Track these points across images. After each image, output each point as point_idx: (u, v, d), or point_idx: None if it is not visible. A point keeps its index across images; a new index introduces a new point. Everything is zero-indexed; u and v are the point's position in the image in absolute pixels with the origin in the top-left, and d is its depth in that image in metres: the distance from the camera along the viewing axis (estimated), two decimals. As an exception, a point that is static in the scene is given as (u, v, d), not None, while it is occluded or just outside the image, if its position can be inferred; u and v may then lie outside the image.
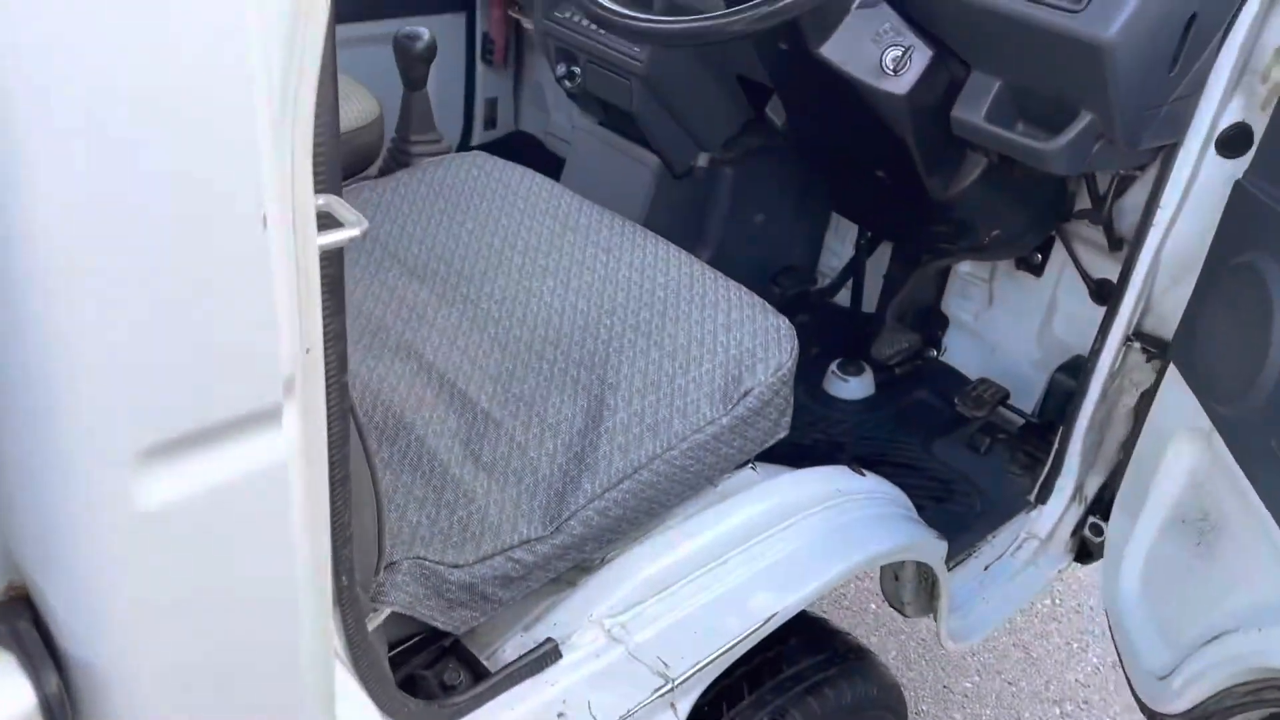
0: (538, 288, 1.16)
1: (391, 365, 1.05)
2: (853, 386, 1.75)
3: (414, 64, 1.39)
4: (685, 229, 1.81)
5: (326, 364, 0.59)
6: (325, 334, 0.58)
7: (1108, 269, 1.56)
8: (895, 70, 1.20)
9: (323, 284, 0.57)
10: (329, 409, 0.61)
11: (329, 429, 0.62)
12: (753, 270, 1.86)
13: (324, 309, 0.58)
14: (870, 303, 1.83)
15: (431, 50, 1.39)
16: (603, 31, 1.64)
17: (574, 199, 1.33)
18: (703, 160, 1.77)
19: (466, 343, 1.09)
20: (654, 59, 1.57)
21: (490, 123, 2.44)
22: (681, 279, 1.18)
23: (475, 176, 1.35)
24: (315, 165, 0.54)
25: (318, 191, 0.55)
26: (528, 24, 2.23)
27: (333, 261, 0.58)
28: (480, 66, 2.34)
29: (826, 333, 1.89)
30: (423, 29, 1.39)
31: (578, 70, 1.71)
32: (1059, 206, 1.46)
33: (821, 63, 1.23)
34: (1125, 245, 1.50)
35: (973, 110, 1.22)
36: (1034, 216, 1.46)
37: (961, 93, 1.23)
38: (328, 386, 0.60)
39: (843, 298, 1.90)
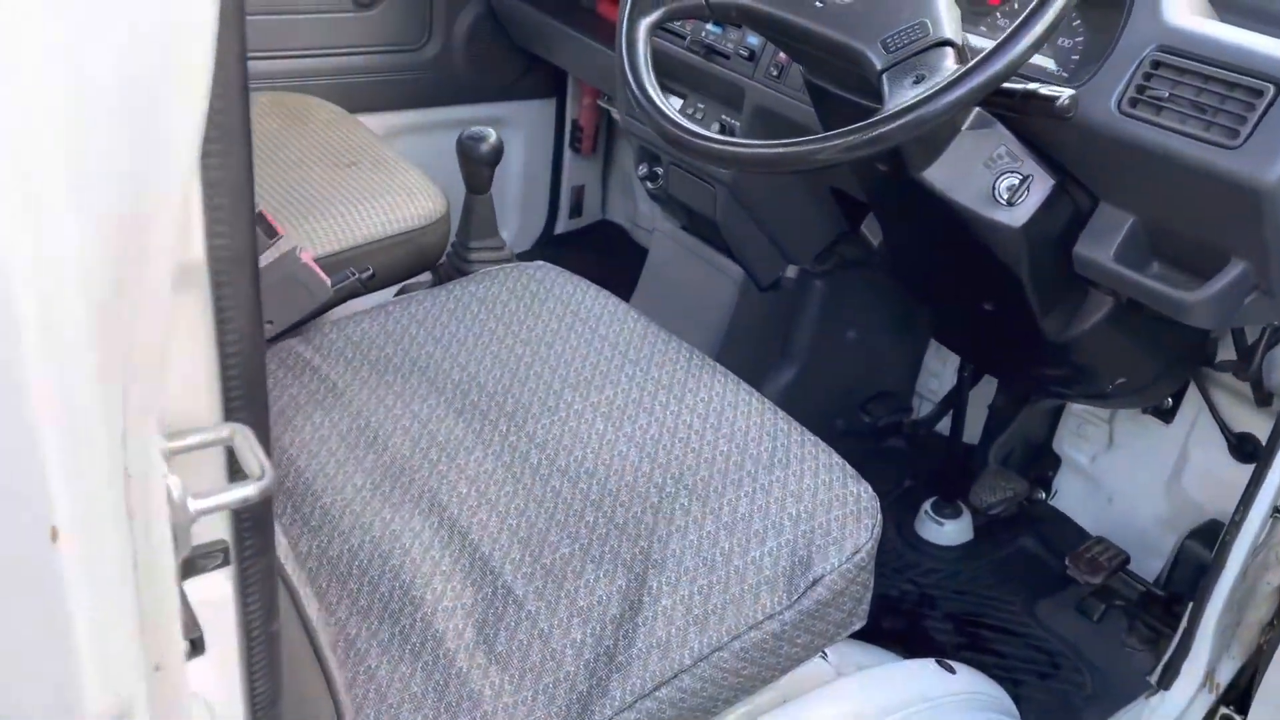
0: (585, 431, 1.03)
1: (409, 520, 0.93)
2: (948, 530, 1.56)
3: (478, 167, 1.29)
4: (769, 343, 1.67)
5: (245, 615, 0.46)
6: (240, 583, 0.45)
7: (1253, 423, 1.35)
8: (1010, 200, 1.05)
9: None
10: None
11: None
12: (841, 393, 1.70)
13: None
14: (973, 431, 1.64)
15: (497, 153, 1.29)
16: (687, 133, 1.52)
17: (639, 322, 1.19)
18: (791, 271, 1.62)
19: (498, 495, 0.96)
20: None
21: (576, 210, 2.35)
22: (750, 430, 1.03)
23: (534, 292, 1.23)
24: (226, 390, 0.41)
25: (230, 417, 0.43)
26: (617, 114, 2.14)
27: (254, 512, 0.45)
28: (568, 153, 2.26)
29: (921, 463, 1.71)
30: (489, 130, 1.30)
31: (660, 172, 1.59)
32: (1198, 356, 1.27)
33: (924, 187, 1.08)
34: (1276, 401, 1.30)
35: (1100, 248, 1.05)
36: (1167, 366, 1.28)
37: (1086, 228, 1.07)
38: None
39: (941, 424, 1.72)
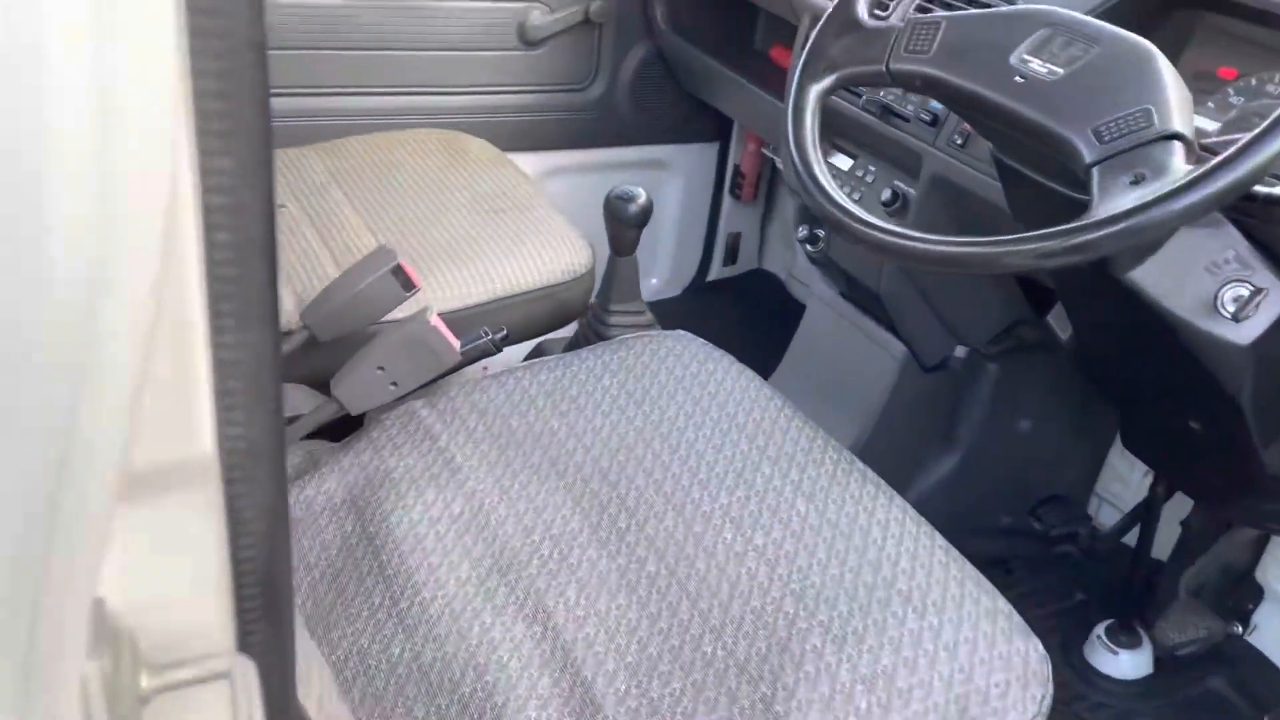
0: (711, 539, 0.92)
1: (510, 628, 0.84)
2: (1124, 662, 1.37)
3: (624, 228, 1.21)
4: (930, 426, 1.52)
5: None
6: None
7: None
8: (1236, 314, 0.88)
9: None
10: None
11: None
12: (1008, 488, 1.53)
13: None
14: (1161, 544, 1.45)
15: (645, 214, 1.21)
16: (855, 198, 1.40)
17: (782, 411, 1.08)
18: (960, 351, 1.47)
19: (609, 606, 0.86)
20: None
21: (731, 258, 2.25)
22: (900, 558, 0.90)
23: (670, 366, 1.14)
24: (240, 611, 0.33)
25: (244, 644, 0.34)
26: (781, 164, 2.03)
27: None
28: (727, 199, 2.16)
29: (1097, 575, 1.52)
30: (639, 190, 1.21)
31: (821, 235, 1.47)
32: None
33: (1129, 288, 0.93)
34: None
35: (1347, 378, 0.88)
36: None
37: (1331, 352, 0.89)
38: None
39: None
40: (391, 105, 1.74)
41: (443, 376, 1.14)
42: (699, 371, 1.14)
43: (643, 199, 1.20)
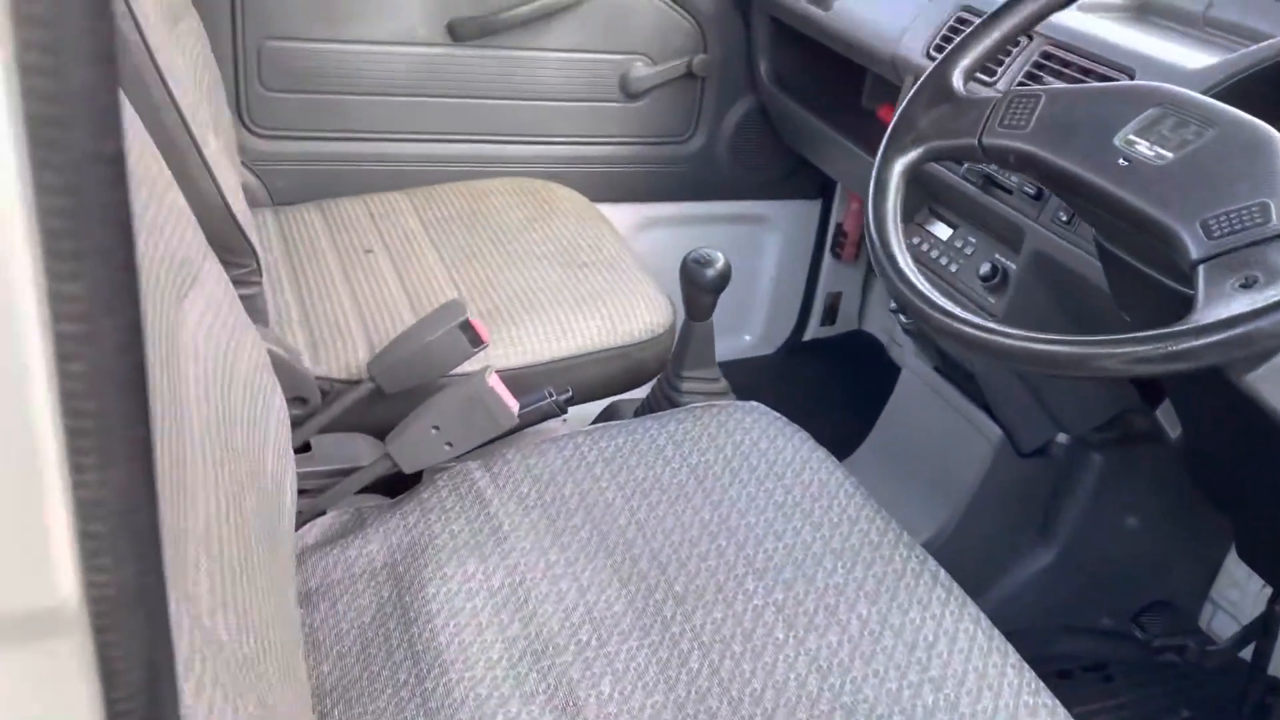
0: (761, 637, 0.86)
1: (538, 718, 0.79)
2: (1230, 795, 1.24)
3: (700, 293, 1.16)
4: (1024, 516, 1.42)
5: None
6: None
7: None
8: (1368, 431, 0.78)
9: None
10: None
11: None
12: (1110, 588, 1.41)
13: None
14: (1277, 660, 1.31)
15: (723, 279, 1.16)
16: (952, 270, 1.32)
17: (853, 497, 1.01)
18: (1062, 438, 1.37)
19: (644, 704, 0.81)
20: (1012, 310, 1.23)
21: (830, 318, 2.18)
22: (968, 675, 0.82)
23: (739, 441, 1.08)
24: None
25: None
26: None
27: None
28: (828, 258, 2.09)
29: (1204, 690, 1.38)
30: (717, 254, 1.17)
31: (917, 305, 1.40)
32: None
33: (1244, 392, 0.84)
34: None
35: None
36: None
37: None
38: None
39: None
40: (486, 153, 1.74)
41: (502, 437, 1.11)
42: (768, 448, 1.08)
43: (720, 263, 1.16)
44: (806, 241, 2.08)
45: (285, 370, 1.14)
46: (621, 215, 1.85)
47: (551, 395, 1.14)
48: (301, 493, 1.11)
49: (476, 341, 1.14)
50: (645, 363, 1.35)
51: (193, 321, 0.75)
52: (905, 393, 1.55)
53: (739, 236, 2.02)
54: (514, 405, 1.03)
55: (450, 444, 1.03)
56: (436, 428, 1.01)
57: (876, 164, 0.91)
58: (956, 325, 0.78)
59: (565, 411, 1.15)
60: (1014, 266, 1.22)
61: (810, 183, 2.00)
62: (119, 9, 0.89)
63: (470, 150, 1.73)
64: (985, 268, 1.26)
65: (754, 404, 1.15)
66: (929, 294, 0.81)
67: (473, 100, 1.70)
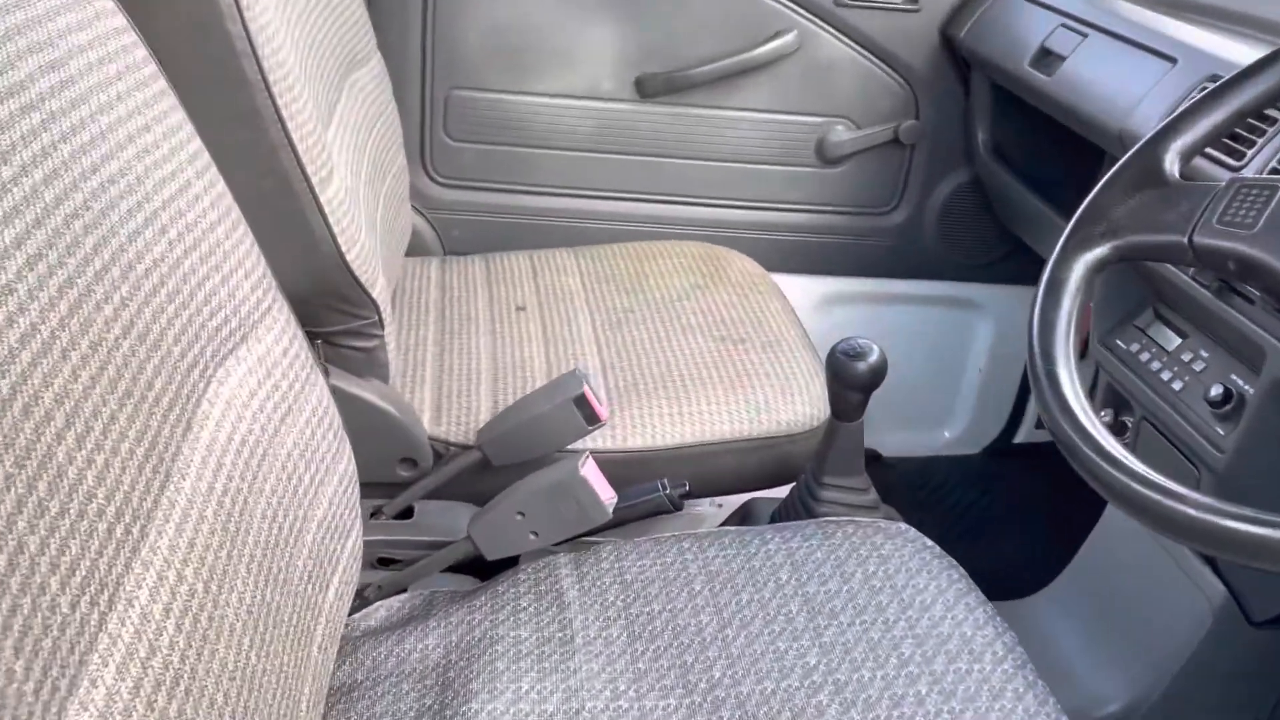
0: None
1: None
2: None
3: (847, 390, 1.00)
4: (1247, 700, 1.14)
5: None
6: None
7: None
8: None
9: None
10: None
11: None
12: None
13: None
14: None
15: (875, 376, 1.00)
16: (1175, 388, 1.09)
17: (1002, 663, 0.82)
18: (1310, 608, 1.10)
19: None
20: (1244, 448, 0.99)
21: (1046, 421, 1.92)
22: None
23: (871, 571, 0.91)
24: None
25: None
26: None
27: None
28: (1048, 354, 1.84)
29: None
30: (871, 345, 1.00)
31: (1129, 424, 1.17)
32: None
33: None
34: None
35: None
36: None
37: None
38: None
39: None
40: (663, 214, 1.65)
41: (607, 528, 0.99)
42: (905, 585, 0.90)
43: (874, 356, 0.99)
44: (1025, 332, 1.85)
45: (396, 430, 1.08)
46: (803, 289, 1.71)
47: (664, 488, 1.01)
48: (391, 562, 1.04)
49: (592, 419, 1.04)
50: (793, 458, 1.19)
51: (231, 385, 0.69)
52: (1113, 525, 1.31)
53: (944, 320, 1.82)
54: (609, 498, 0.91)
55: (536, 533, 0.92)
56: (521, 514, 0.91)
57: (1053, 259, 0.74)
58: (1131, 486, 0.59)
59: (679, 507, 1.02)
60: (1252, 391, 0.98)
61: (1031, 267, 1.77)
62: (238, 47, 0.86)
63: (648, 210, 1.65)
64: (1216, 390, 1.02)
65: (900, 525, 0.98)
66: (1099, 437, 0.63)
67: (655, 159, 1.62)
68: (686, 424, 1.16)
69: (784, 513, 1.11)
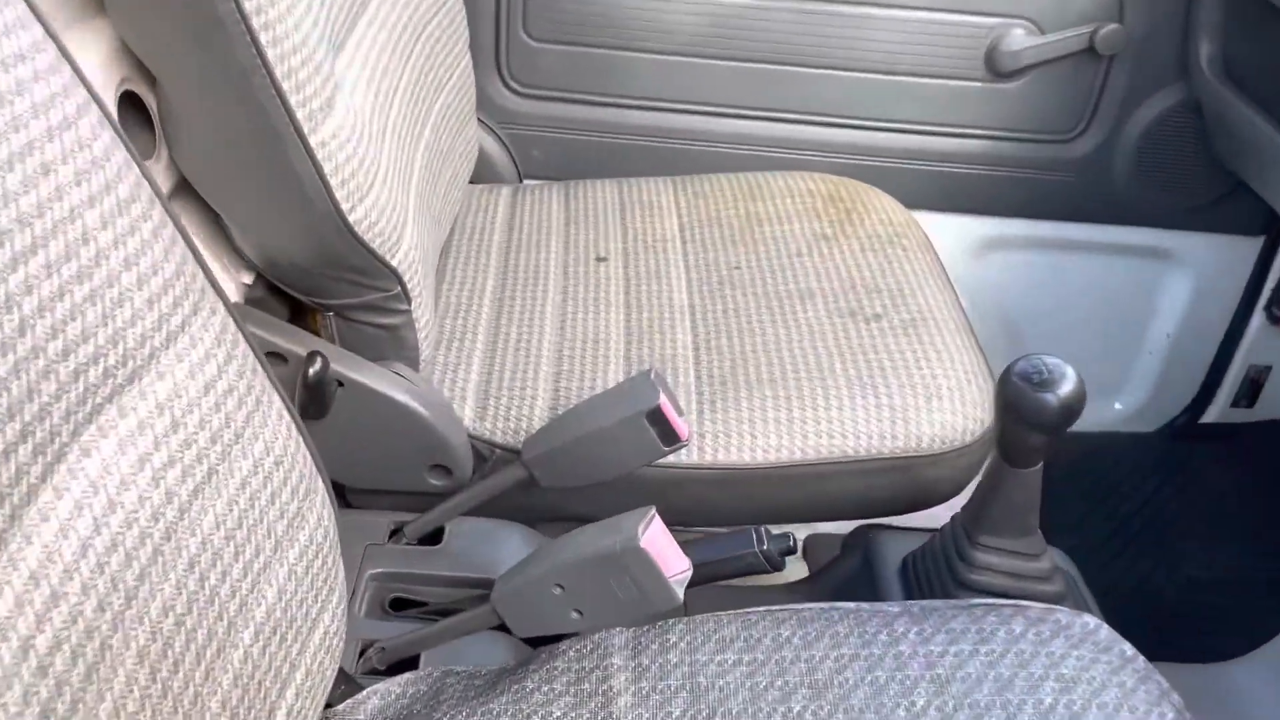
0: None
1: None
2: None
3: (1026, 431, 0.71)
4: None
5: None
6: None
7: None
8: None
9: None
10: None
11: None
12: None
13: None
14: None
15: (1070, 413, 0.70)
16: None
17: None
18: None
19: None
20: None
21: (1247, 398, 1.57)
22: None
23: (1041, 699, 0.64)
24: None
25: None
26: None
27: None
28: (1258, 319, 1.49)
29: None
30: (1064, 368, 0.71)
31: None
32: None
33: None
34: None
35: None
36: None
37: None
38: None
39: None
40: (781, 135, 1.35)
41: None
42: (1087, 685, 0.63)
43: (1069, 386, 0.70)
44: (1230, 292, 1.49)
45: (423, 432, 0.84)
46: (955, 232, 1.39)
47: (761, 540, 0.76)
48: (410, 603, 0.82)
49: (669, 438, 0.78)
50: (934, 484, 0.92)
51: (126, 429, 0.46)
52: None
53: (1128, 273, 1.48)
54: (681, 574, 0.66)
55: (580, 613, 0.68)
56: (561, 587, 0.67)
57: None
58: None
59: (780, 567, 0.76)
60: None
61: (1249, 215, 1.41)
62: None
63: (765, 131, 1.35)
64: None
65: (1086, 621, 0.70)
66: None
67: (777, 66, 1.31)
68: (795, 433, 0.90)
69: (919, 570, 0.84)
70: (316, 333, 0.85)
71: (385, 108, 0.87)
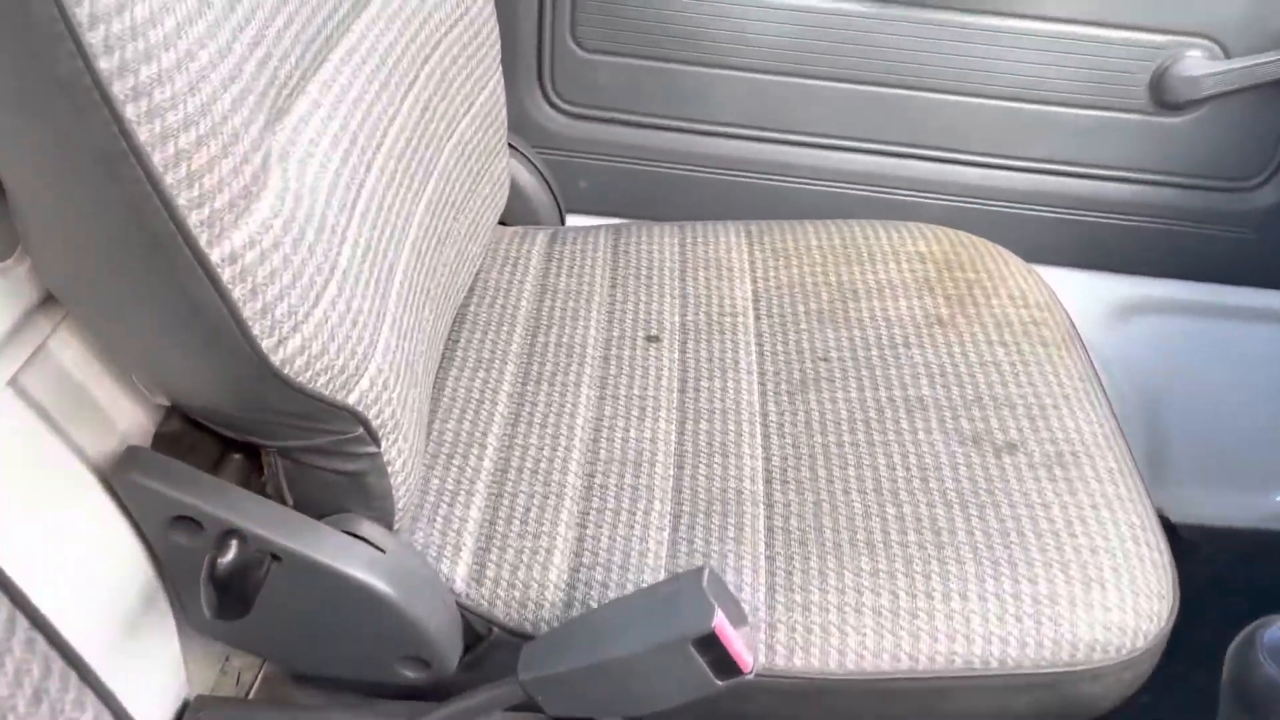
0: None
1: None
2: None
3: (1255, 715, 0.47)
4: None
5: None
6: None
7: None
8: None
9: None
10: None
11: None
12: None
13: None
14: None
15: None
16: None
17: None
18: None
19: None
20: None
21: None
22: None
23: None
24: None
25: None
26: None
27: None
28: None
29: None
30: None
31: None
32: None
33: None
34: None
35: None
36: None
37: None
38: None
39: None
40: (883, 171, 1.09)
41: None
42: None
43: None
44: None
45: (390, 616, 0.62)
46: (1086, 291, 1.14)
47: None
48: None
49: (727, 669, 0.55)
50: (1088, 703, 0.67)
51: None
52: None
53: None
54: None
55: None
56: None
57: None
58: None
59: None
60: None
61: None
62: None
63: (862, 165, 1.09)
64: None
65: None
66: None
67: (882, 89, 1.05)
68: (902, 630, 0.66)
69: None
70: (258, 471, 0.64)
71: (363, 165, 0.64)
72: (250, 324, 0.49)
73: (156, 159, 0.44)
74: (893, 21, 1.01)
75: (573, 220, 1.12)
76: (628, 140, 1.11)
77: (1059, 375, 0.84)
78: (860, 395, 0.82)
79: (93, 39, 0.41)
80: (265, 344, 0.50)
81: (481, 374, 0.85)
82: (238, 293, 0.49)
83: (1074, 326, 0.92)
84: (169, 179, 0.45)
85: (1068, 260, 1.12)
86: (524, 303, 0.94)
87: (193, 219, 0.46)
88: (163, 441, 0.61)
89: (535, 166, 1.10)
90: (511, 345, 0.89)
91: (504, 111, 0.96)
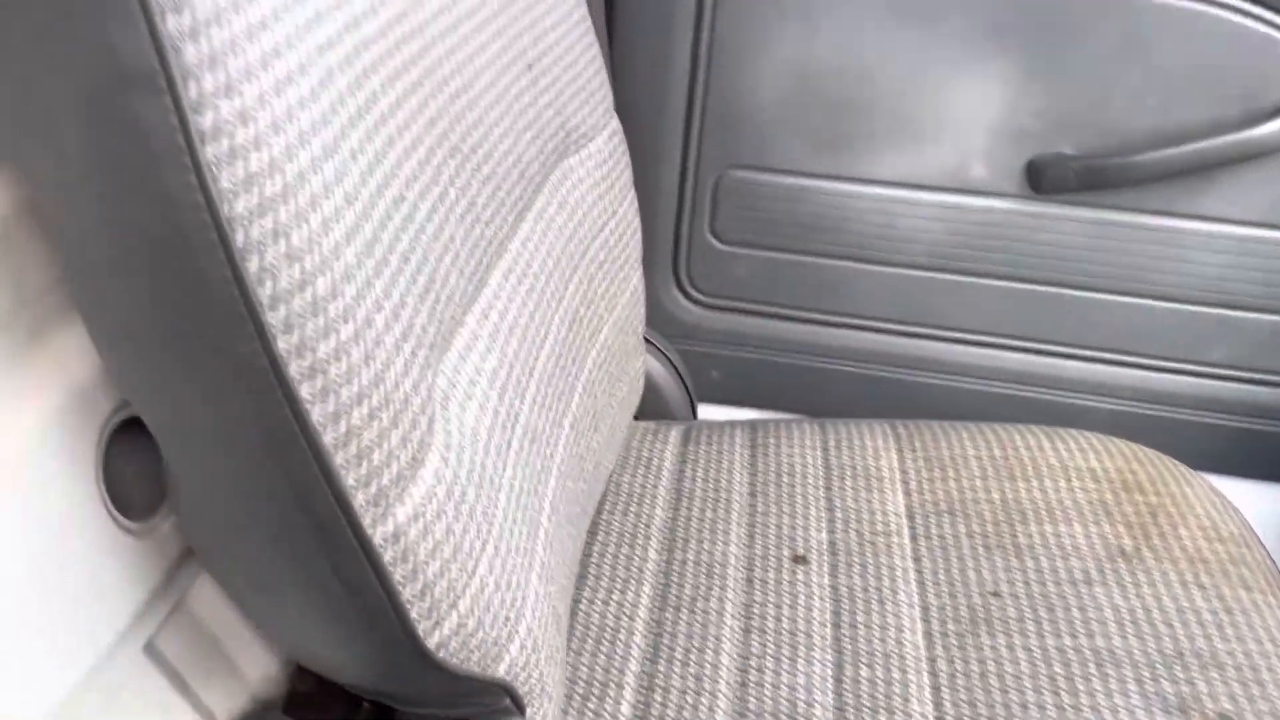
0: None
1: None
2: None
3: None
4: None
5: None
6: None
7: None
8: None
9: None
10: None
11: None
12: None
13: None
14: None
15: None
16: None
17: None
18: None
19: None
20: None
21: None
22: None
23: None
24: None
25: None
26: None
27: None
28: None
29: None
30: None
31: None
32: None
33: None
34: None
35: None
36: None
37: None
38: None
39: None
40: (1045, 373, 1.02)
41: None
42: None
43: None
44: None
45: None
46: (1260, 504, 1.03)
47: None
48: None
49: None
50: None
51: None
52: None
53: None
54: None
55: None
56: None
57: None
58: None
59: None
60: None
61: None
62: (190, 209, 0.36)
63: (1016, 364, 1.03)
64: None
65: None
66: None
67: (1043, 288, 1.00)
68: None
69: None
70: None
71: (518, 396, 0.60)
72: (408, 608, 0.44)
73: (328, 439, 0.40)
74: (1054, 220, 0.96)
75: (704, 410, 1.08)
76: (764, 331, 1.07)
77: (1270, 628, 0.74)
78: (1041, 643, 0.73)
79: (273, 319, 0.37)
80: (421, 627, 0.45)
81: (616, 596, 0.79)
82: (399, 574, 0.44)
83: (1274, 564, 0.82)
84: (339, 459, 0.41)
85: (1248, 472, 1.03)
86: (659, 512, 0.88)
87: (359, 499, 0.42)
88: (295, 702, 0.56)
89: (668, 359, 1.07)
90: (648, 563, 0.82)
91: (643, 309, 0.93)
